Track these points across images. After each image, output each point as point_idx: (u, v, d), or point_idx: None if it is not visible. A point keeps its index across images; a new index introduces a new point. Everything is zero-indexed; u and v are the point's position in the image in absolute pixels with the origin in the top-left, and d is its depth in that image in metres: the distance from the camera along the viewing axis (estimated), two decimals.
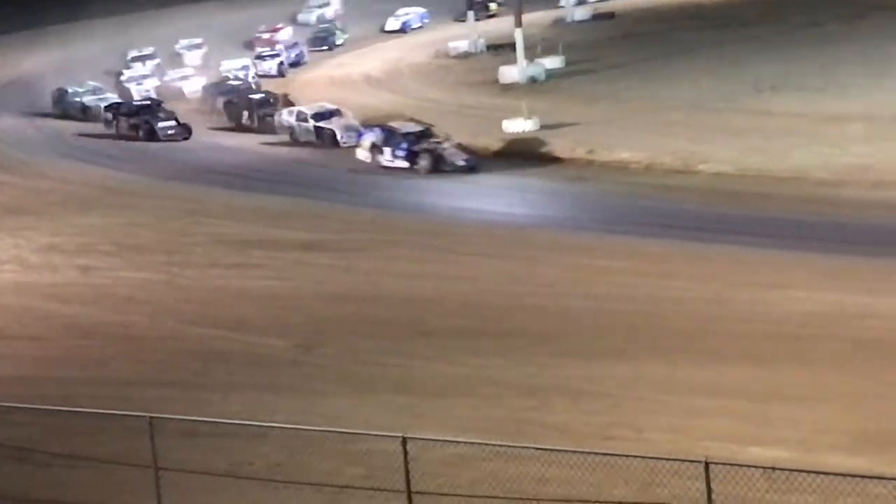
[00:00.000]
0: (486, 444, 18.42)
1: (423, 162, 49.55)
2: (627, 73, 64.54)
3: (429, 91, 67.15)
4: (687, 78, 61.20)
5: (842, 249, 34.11)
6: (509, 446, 18.25)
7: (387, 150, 50.77)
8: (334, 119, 57.02)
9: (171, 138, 59.80)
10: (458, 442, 18.39)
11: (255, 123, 61.23)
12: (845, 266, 32.63)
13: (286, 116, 58.82)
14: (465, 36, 78.99)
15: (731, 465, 15.73)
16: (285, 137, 57.74)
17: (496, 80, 66.08)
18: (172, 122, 60.93)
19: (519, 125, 53.00)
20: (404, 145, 50.29)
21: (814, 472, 15.99)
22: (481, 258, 36.07)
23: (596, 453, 17.26)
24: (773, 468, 16.24)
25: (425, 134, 51.45)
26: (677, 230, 38.20)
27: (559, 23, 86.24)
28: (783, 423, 21.58)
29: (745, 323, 27.97)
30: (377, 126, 53.16)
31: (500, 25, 78.31)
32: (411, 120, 54.52)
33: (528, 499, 17.53)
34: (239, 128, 61.72)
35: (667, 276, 32.76)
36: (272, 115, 60.29)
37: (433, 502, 17.36)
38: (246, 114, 62.09)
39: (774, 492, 16.12)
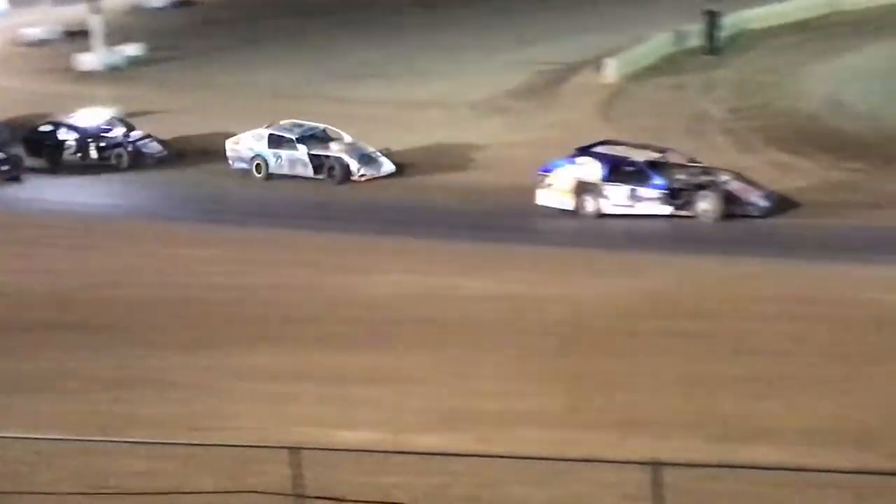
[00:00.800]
0: (67, 440, 17.74)
1: (707, 205, 34.57)
2: (211, 60, 63.96)
3: None
4: (270, 65, 61.16)
5: (429, 234, 35.06)
6: (92, 441, 17.67)
7: (615, 191, 35.67)
8: (332, 144, 42.95)
9: (2, 176, 44.35)
10: (38, 438, 17.63)
11: (95, 158, 46.67)
12: (430, 249, 33.46)
13: (248, 143, 43.66)
14: (40, 22, 76.60)
15: (318, 449, 15.64)
16: None
17: (73, 68, 64.34)
18: (1, 155, 45.15)
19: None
20: (659, 181, 35.37)
21: (401, 452, 16.19)
22: (65, 250, 35.20)
23: (181, 444, 16.90)
24: (362, 450, 16.41)
25: (661, 162, 36.20)
26: (266, 217, 38.56)
27: (137, 9, 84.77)
28: (372, 406, 21.76)
29: (334, 308, 28.25)
30: (584, 153, 36.57)
31: (79, 12, 76.37)
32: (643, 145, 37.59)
33: (112, 493, 17.00)
34: (57, 167, 46.72)
35: (257, 263, 32.84)
36: (119, 146, 46.47)
37: (12, 502, 16.62)
38: (73, 146, 47.04)
39: (365, 474, 16.15)
